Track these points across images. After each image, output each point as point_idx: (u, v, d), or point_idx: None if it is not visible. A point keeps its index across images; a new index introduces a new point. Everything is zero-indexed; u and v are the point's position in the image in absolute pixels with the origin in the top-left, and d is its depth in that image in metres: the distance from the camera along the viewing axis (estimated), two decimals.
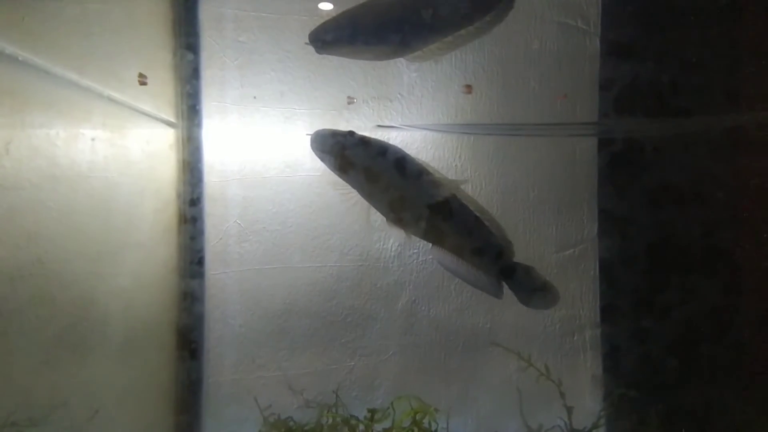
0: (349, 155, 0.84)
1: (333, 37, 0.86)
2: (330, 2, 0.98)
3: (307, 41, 0.86)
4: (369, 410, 0.96)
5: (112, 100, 0.85)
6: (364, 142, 0.86)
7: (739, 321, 1.01)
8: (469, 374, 1.11)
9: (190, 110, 1.02)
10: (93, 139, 0.80)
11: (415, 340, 1.13)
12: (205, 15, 1.03)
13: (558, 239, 1.12)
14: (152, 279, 0.98)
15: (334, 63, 1.05)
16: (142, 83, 0.91)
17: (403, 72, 1.07)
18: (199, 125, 1.04)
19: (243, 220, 1.11)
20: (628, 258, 1.07)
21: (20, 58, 0.70)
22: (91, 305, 0.81)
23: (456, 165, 1.12)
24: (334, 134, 0.86)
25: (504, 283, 0.89)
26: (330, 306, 1.12)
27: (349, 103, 1.04)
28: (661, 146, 1.02)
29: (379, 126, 1.07)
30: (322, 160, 0.87)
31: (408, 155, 0.87)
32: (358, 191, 0.87)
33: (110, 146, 0.83)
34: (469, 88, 1.04)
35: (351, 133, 0.86)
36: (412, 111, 1.09)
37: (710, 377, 1.03)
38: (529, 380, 1.07)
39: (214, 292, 1.10)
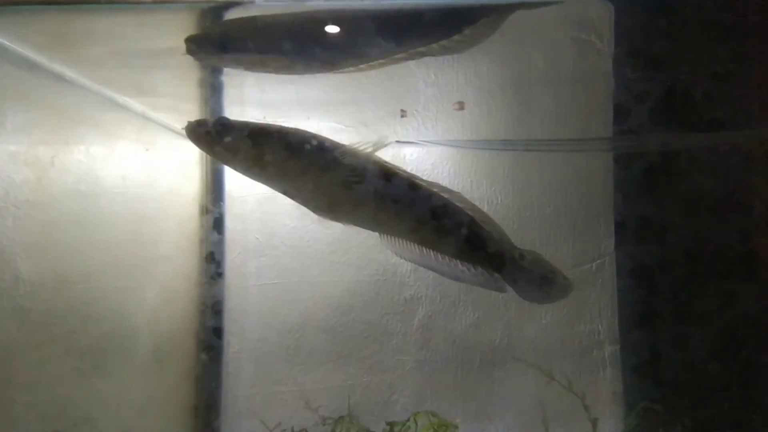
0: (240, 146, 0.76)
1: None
2: None
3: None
4: (387, 423, 0.95)
5: (145, 116, 0.87)
6: (260, 130, 0.78)
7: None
8: (487, 390, 1.10)
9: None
10: (128, 156, 0.83)
11: (432, 355, 1.12)
12: None
13: (575, 254, 1.12)
14: (177, 292, 1.00)
15: (353, 80, 1.08)
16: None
17: (420, 89, 1.09)
18: None
19: (261, 235, 1.12)
20: (648, 271, 1.06)
21: (67, 78, 0.73)
22: (121, 318, 0.82)
23: (471, 180, 1.13)
24: (201, 123, 0.77)
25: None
26: (346, 321, 1.12)
27: (402, 116, 1.05)
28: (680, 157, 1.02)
29: (397, 141, 1.09)
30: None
31: (305, 132, 0.79)
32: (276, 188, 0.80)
33: (142, 161, 0.85)
34: (461, 105, 1.04)
35: (220, 121, 0.78)
36: (428, 127, 1.10)
37: (736, 390, 1.00)
38: (549, 396, 1.06)
39: (233, 305, 1.11)
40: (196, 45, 0.83)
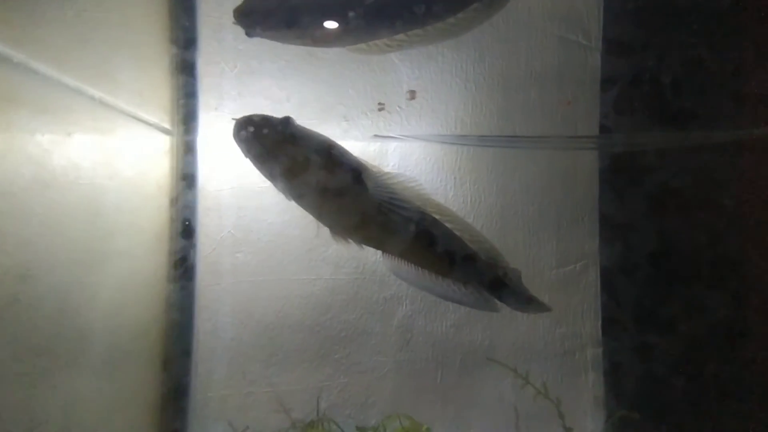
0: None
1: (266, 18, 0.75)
2: None
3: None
4: (358, 428, 0.92)
5: (103, 103, 0.83)
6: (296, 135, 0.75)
7: (747, 336, 0.98)
8: (467, 392, 1.08)
9: (186, 117, 1.01)
10: (82, 144, 0.78)
11: (411, 356, 1.09)
12: (204, 21, 1.02)
13: (558, 255, 1.10)
14: (141, 289, 0.95)
15: (334, 72, 1.05)
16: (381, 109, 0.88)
17: (403, 81, 1.06)
18: (194, 133, 1.02)
19: (237, 231, 1.08)
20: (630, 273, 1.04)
21: (15, 60, 0.69)
22: (75, 315, 0.78)
23: (455, 177, 1.10)
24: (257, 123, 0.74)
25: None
26: (324, 320, 1.09)
27: (380, 110, 1.02)
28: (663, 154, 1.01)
29: (376, 136, 1.06)
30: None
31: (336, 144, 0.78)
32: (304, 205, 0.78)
33: (100, 151, 0.81)
34: (412, 94, 1.01)
35: (286, 121, 0.74)
36: (411, 122, 1.07)
37: (716, 396, 0.99)
38: (528, 399, 1.04)
39: (206, 303, 1.07)
40: (250, 19, 0.74)
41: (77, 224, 0.78)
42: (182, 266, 1.02)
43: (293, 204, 1.10)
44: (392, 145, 1.07)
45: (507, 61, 1.06)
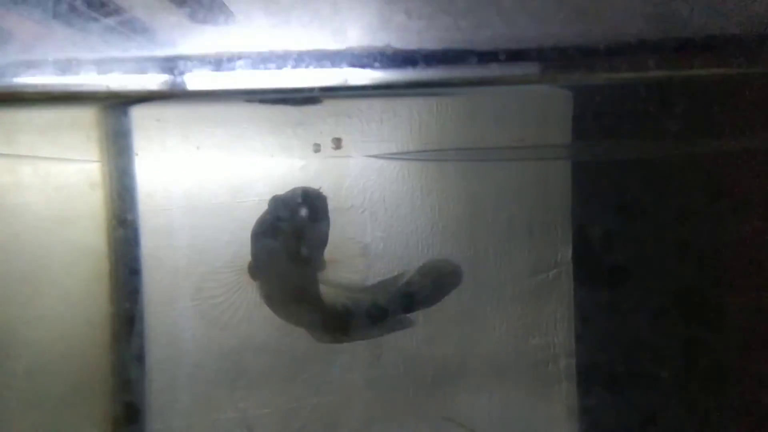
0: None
1: None
2: None
3: None
4: None
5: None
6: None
7: (722, 342, 0.97)
8: (440, 408, 1.06)
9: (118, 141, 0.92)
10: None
11: (382, 373, 1.06)
12: None
13: (531, 263, 1.06)
14: (74, 331, 0.89)
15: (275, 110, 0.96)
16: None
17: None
18: (130, 157, 0.94)
19: (192, 251, 1.02)
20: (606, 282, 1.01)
21: None
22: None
23: (421, 186, 1.04)
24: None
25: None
26: (289, 341, 1.05)
27: (335, 148, 0.94)
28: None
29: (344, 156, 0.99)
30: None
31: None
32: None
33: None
34: (337, 143, 0.94)
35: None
36: (372, 130, 1.00)
37: (691, 403, 0.99)
38: (503, 414, 1.02)
39: (163, 330, 1.01)
40: None
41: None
42: (127, 299, 0.96)
43: (250, 220, 1.04)
44: (352, 162, 1.00)
45: None
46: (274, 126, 0.97)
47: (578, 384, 1.01)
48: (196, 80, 0.73)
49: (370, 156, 0.98)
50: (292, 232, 0.74)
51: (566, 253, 1.05)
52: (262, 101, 0.81)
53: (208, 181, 1.02)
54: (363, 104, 0.98)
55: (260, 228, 0.77)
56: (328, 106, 0.96)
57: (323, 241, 0.77)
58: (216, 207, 1.02)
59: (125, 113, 0.92)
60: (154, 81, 0.74)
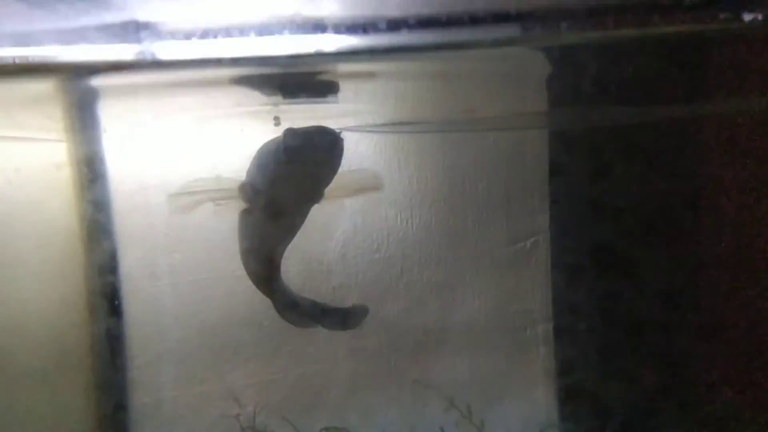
0: None
1: None
2: None
3: None
4: None
5: None
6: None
7: (700, 308, 0.99)
8: (421, 375, 1.08)
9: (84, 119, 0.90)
10: None
11: (364, 343, 1.08)
12: None
13: (509, 232, 1.07)
14: (50, 310, 0.89)
15: None
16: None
17: None
18: (98, 135, 0.92)
19: (171, 229, 1.02)
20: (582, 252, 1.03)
21: None
22: None
23: (399, 158, 1.04)
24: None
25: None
26: (272, 314, 1.05)
27: (276, 125, 0.93)
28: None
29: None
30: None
31: None
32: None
33: None
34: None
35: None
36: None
37: (666, 367, 1.02)
38: (483, 377, 1.05)
39: (145, 307, 1.02)
40: None
41: None
42: (106, 270, 0.96)
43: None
44: None
45: None
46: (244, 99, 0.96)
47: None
48: (163, 50, 0.72)
49: (345, 129, 0.97)
50: (302, 162, 0.76)
51: (543, 221, 1.07)
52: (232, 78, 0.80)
53: (183, 158, 1.01)
54: (338, 76, 0.97)
55: (268, 151, 0.77)
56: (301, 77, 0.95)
57: (329, 179, 0.79)
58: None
59: (91, 86, 0.90)
60: (119, 52, 0.72)
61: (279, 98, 0.88)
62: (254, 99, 0.91)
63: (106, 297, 0.96)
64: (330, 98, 0.85)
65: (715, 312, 0.98)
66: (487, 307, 1.08)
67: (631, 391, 1.01)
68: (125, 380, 1.01)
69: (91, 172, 0.92)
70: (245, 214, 0.85)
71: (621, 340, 1.02)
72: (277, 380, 1.07)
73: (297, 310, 0.90)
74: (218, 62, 0.76)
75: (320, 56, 0.72)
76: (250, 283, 1.04)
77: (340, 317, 0.92)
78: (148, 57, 0.68)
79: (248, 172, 0.85)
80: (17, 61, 0.64)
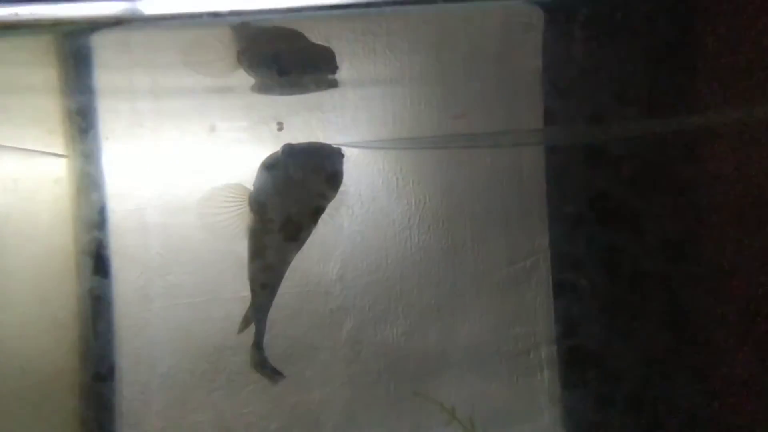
0: None
1: None
2: None
3: None
4: None
5: None
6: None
7: (708, 330, 0.97)
8: (420, 403, 1.04)
9: (82, 134, 0.91)
10: None
11: (363, 368, 1.05)
12: None
13: (508, 252, 1.06)
14: (52, 325, 0.86)
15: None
16: None
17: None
18: (97, 150, 0.92)
19: (166, 250, 1.00)
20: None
21: None
22: None
23: (397, 178, 1.04)
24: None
25: None
26: (268, 338, 1.02)
27: (279, 130, 0.94)
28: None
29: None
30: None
31: None
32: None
33: None
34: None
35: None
36: (346, 123, 1.00)
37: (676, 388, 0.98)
38: (486, 405, 1.01)
39: (136, 332, 0.99)
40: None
41: None
42: (95, 300, 0.93)
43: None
44: None
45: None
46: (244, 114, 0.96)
47: None
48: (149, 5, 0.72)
49: (343, 145, 0.97)
50: (302, 177, 0.79)
51: (543, 240, 1.06)
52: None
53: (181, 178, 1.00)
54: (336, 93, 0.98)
55: (269, 165, 0.80)
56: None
57: (330, 193, 0.81)
58: (189, 201, 1.00)
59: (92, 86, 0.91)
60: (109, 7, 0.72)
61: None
62: (258, 109, 0.92)
63: (98, 317, 0.93)
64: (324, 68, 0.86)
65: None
66: (488, 329, 1.06)
67: (640, 419, 0.98)
68: (114, 412, 0.97)
69: (89, 189, 0.91)
70: (252, 224, 0.86)
71: (629, 363, 0.99)
72: (270, 410, 1.03)
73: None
74: (212, 15, 0.76)
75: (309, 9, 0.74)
76: (245, 306, 1.02)
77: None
78: (136, 13, 0.69)
79: (254, 184, 0.86)
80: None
